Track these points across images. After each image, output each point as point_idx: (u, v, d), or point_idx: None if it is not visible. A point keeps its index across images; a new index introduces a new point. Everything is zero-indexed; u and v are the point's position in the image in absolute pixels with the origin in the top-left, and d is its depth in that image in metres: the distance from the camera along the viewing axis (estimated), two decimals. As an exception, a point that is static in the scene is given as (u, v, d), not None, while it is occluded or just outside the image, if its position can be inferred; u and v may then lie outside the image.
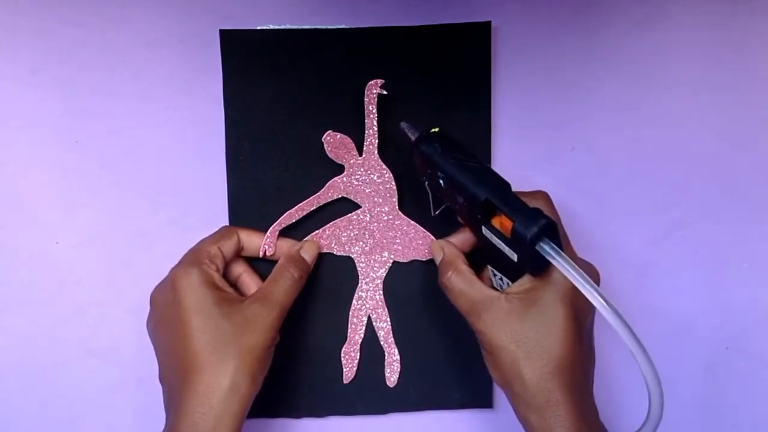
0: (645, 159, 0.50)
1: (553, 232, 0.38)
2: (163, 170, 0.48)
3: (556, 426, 0.39)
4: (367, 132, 0.48)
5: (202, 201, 0.49)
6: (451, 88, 0.48)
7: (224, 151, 0.48)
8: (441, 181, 0.42)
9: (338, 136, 0.47)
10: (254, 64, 0.47)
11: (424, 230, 0.48)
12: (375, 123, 0.47)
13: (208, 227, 0.48)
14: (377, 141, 0.48)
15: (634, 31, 0.49)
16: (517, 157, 0.49)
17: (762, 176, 0.51)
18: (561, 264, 0.37)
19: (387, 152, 0.48)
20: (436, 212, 0.46)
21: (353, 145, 0.48)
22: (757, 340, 0.51)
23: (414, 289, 0.49)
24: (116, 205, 0.49)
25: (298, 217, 0.48)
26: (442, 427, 0.50)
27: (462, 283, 0.43)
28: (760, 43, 0.50)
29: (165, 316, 0.42)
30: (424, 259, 0.49)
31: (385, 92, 0.47)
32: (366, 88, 0.47)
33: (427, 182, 0.44)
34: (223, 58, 0.47)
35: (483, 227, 0.41)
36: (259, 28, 0.47)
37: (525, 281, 0.41)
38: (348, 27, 0.48)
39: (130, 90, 0.48)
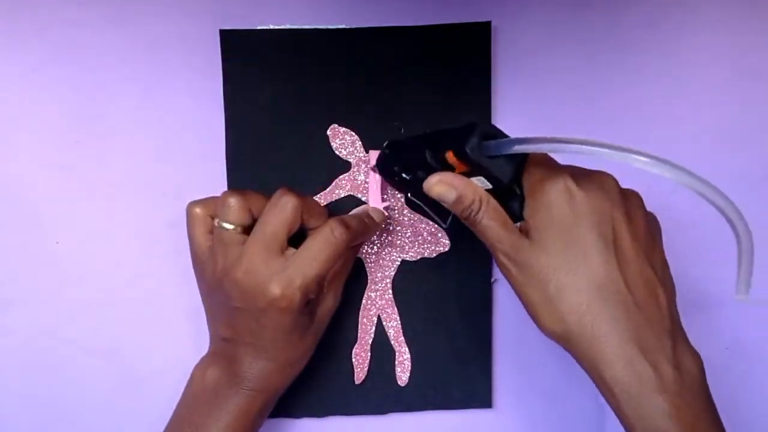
0: (645, 159, 0.50)
1: (490, 134, 0.35)
2: (163, 170, 0.48)
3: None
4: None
5: (202, 201, 0.49)
6: (451, 88, 0.48)
7: (224, 151, 0.48)
8: (405, 176, 0.41)
9: (342, 129, 0.48)
10: (254, 64, 0.47)
11: (433, 225, 0.48)
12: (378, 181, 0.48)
13: (208, 227, 0.48)
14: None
15: (634, 31, 0.49)
16: (517, 157, 0.49)
17: (762, 176, 0.51)
18: (527, 147, 0.33)
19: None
20: (447, 223, 0.45)
21: (358, 139, 0.48)
22: (756, 342, 0.51)
23: (418, 288, 0.49)
24: (116, 205, 0.49)
25: None
26: (442, 427, 0.50)
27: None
28: (763, 42, 0.50)
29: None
30: (432, 256, 0.49)
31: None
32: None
33: (410, 197, 0.44)
34: (223, 58, 0.47)
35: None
36: (259, 28, 0.47)
37: (527, 211, 0.37)
38: (348, 27, 0.48)
39: (130, 90, 0.48)
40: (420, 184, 0.39)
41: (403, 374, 0.49)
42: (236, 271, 0.40)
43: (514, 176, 0.36)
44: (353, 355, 0.49)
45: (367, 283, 0.49)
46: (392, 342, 0.49)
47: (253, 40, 0.47)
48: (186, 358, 0.49)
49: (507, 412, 0.50)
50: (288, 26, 0.48)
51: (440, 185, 0.37)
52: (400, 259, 0.49)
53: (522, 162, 0.36)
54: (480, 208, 0.36)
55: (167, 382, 0.49)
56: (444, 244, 0.49)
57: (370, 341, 0.49)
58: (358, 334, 0.49)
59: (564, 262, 0.35)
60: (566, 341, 0.36)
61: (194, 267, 0.45)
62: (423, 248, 0.49)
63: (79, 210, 0.48)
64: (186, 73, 0.48)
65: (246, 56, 0.47)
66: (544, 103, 0.50)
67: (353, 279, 0.48)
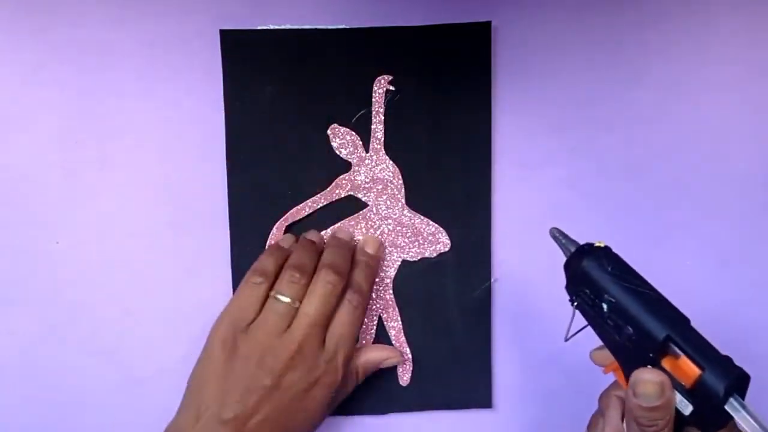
0: (645, 159, 0.50)
1: (744, 386, 0.34)
2: (163, 170, 0.48)
3: None
4: (373, 128, 0.48)
5: (202, 201, 0.49)
6: (451, 88, 0.48)
7: (224, 151, 0.48)
8: (604, 305, 0.37)
9: (342, 129, 0.48)
10: (254, 64, 0.47)
11: (434, 224, 0.49)
12: (382, 118, 0.48)
13: (208, 227, 0.48)
14: (383, 137, 0.48)
15: (634, 31, 0.49)
16: (517, 157, 0.49)
17: (762, 176, 0.51)
18: (754, 427, 0.33)
19: (391, 147, 0.48)
20: (569, 338, 0.40)
21: (358, 139, 0.48)
22: (757, 341, 0.51)
23: (418, 288, 0.49)
24: (116, 205, 0.49)
25: (304, 214, 0.48)
26: (442, 427, 0.50)
27: None
28: (761, 41, 0.50)
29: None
30: (432, 256, 0.49)
31: (392, 88, 0.47)
32: (374, 83, 0.47)
33: (575, 302, 0.39)
34: (223, 58, 0.47)
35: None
36: (259, 28, 0.47)
37: None
38: (348, 27, 0.48)
39: (130, 90, 0.48)
40: (616, 314, 0.37)
41: (404, 374, 0.49)
42: (286, 350, 0.42)
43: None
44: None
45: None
46: (393, 342, 0.49)
47: (253, 40, 0.47)
48: (186, 358, 0.49)
49: (507, 412, 0.50)
50: (288, 26, 0.48)
51: (654, 386, 0.35)
52: (400, 260, 0.49)
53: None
54: (665, 427, 0.35)
55: (167, 382, 0.49)
56: (444, 243, 0.49)
57: (372, 341, 0.49)
58: (359, 335, 0.49)
59: None
60: None
61: (223, 330, 0.43)
62: (423, 248, 0.49)
63: (79, 210, 0.48)
64: (186, 73, 0.48)
65: (246, 56, 0.47)
66: (544, 103, 0.50)
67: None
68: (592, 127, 0.50)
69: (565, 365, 0.51)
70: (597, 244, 0.38)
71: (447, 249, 0.49)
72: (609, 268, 0.37)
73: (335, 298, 0.44)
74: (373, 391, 0.49)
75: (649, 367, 0.36)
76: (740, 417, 0.33)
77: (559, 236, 0.40)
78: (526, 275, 0.50)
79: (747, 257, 0.51)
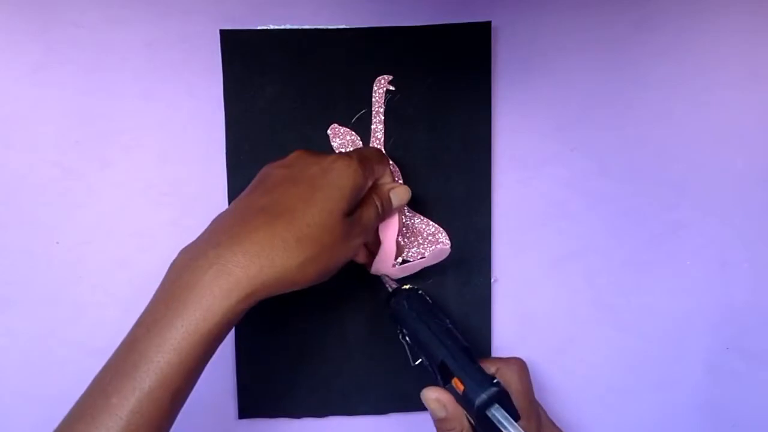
0: (645, 159, 0.50)
1: (506, 400, 0.39)
2: (163, 170, 0.48)
3: None
4: (373, 128, 0.48)
5: (202, 201, 0.49)
6: (451, 88, 0.48)
7: (224, 151, 0.48)
8: (407, 338, 0.44)
9: (342, 129, 0.48)
10: (254, 64, 0.47)
11: (435, 224, 0.49)
12: (382, 118, 0.48)
13: (208, 227, 0.48)
14: (383, 137, 0.48)
15: (634, 31, 0.49)
16: (517, 157, 0.50)
17: (762, 176, 0.51)
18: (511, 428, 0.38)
19: (392, 147, 0.48)
20: (415, 363, 0.45)
21: (358, 138, 0.48)
22: (757, 341, 0.51)
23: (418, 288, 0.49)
24: (116, 205, 0.49)
25: None
26: (442, 427, 0.50)
27: None
28: (761, 42, 0.50)
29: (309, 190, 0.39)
30: None
31: (392, 88, 0.47)
32: (375, 83, 0.47)
33: (400, 335, 0.45)
34: (223, 58, 0.47)
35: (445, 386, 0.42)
36: (259, 28, 0.47)
37: None
38: (348, 27, 0.48)
39: (130, 90, 0.48)
40: (415, 344, 0.44)
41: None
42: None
43: None
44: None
45: (361, 283, 0.49)
46: None
47: (253, 40, 0.47)
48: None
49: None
50: (288, 26, 0.48)
51: (436, 403, 0.42)
52: (400, 260, 0.49)
53: None
54: None
55: (167, 382, 0.49)
56: (444, 243, 0.49)
57: None
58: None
59: None
60: None
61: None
62: (423, 248, 0.49)
63: (79, 210, 0.48)
64: (186, 73, 0.48)
65: (246, 56, 0.47)
66: (544, 103, 0.50)
67: (355, 281, 0.48)
68: (592, 127, 0.50)
69: (565, 365, 0.51)
70: (404, 287, 0.45)
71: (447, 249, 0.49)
72: (406, 306, 0.44)
73: (368, 174, 0.42)
74: (373, 391, 0.49)
75: (432, 386, 0.42)
76: (501, 426, 0.39)
77: (385, 281, 0.47)
78: (526, 275, 0.50)
79: (747, 257, 0.51)
